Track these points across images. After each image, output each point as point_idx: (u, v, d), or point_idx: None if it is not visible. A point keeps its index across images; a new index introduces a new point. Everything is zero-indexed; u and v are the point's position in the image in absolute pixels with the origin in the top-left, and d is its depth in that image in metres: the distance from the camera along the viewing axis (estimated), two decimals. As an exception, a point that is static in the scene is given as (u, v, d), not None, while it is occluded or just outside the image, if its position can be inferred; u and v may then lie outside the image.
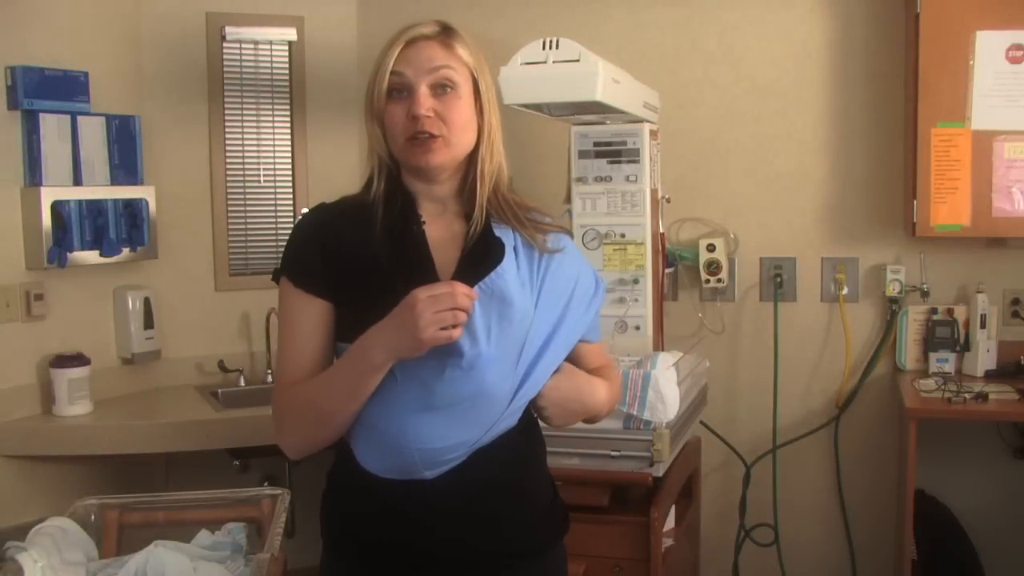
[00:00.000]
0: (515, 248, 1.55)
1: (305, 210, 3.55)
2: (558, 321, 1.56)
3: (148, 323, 3.25)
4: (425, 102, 1.48)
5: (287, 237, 1.61)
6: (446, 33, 1.52)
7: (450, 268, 1.52)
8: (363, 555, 1.56)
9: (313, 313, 1.52)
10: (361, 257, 1.50)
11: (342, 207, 1.58)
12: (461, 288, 1.37)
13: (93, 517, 1.91)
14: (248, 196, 3.54)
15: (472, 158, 1.56)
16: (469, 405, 1.45)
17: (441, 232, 1.56)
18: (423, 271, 1.51)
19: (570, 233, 1.67)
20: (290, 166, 3.58)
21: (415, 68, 1.48)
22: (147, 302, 3.25)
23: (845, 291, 3.24)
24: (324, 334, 1.53)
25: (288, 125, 3.57)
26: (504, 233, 1.56)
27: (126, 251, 3.14)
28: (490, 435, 1.50)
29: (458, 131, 1.51)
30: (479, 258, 1.51)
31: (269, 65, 3.53)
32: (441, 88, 1.50)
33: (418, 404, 1.45)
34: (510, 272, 1.50)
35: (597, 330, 1.68)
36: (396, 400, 1.45)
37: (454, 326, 1.37)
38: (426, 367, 1.43)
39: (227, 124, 3.49)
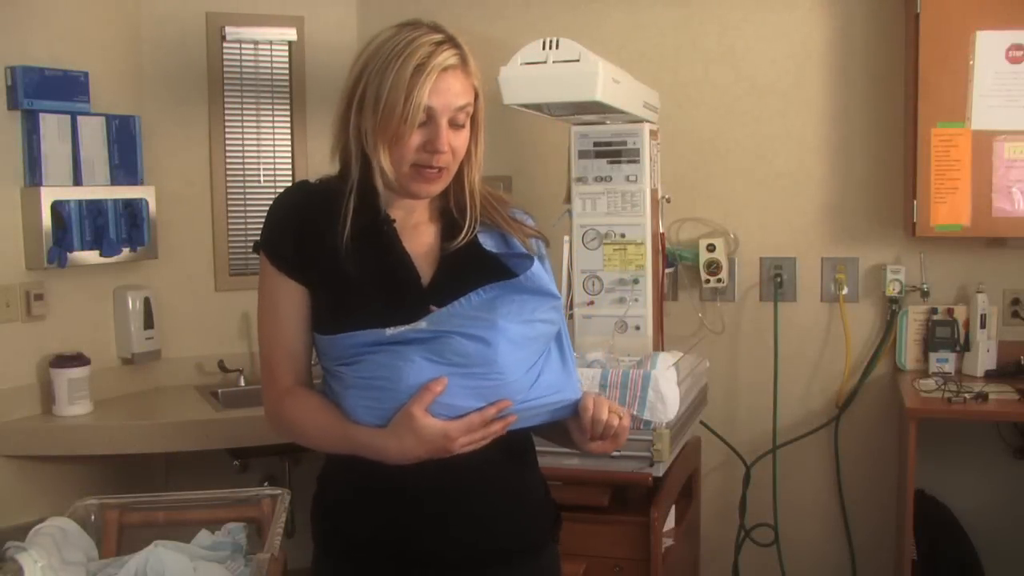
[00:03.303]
0: (512, 249, 1.56)
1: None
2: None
3: (148, 323, 3.25)
4: (444, 137, 1.47)
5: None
6: (463, 57, 1.49)
7: (427, 271, 1.53)
8: (354, 556, 1.55)
9: (291, 293, 1.53)
10: (331, 251, 1.50)
11: (323, 189, 1.57)
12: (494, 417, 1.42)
13: (93, 517, 1.91)
14: (248, 196, 3.54)
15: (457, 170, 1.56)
16: (479, 374, 1.40)
17: (413, 232, 1.56)
18: (402, 272, 1.52)
19: (546, 240, 1.67)
20: (290, 166, 3.58)
21: (443, 104, 1.46)
22: (147, 302, 3.25)
23: (845, 291, 3.24)
24: (304, 316, 1.53)
25: (288, 125, 3.57)
26: (492, 237, 1.56)
27: (126, 251, 3.14)
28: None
29: (459, 159, 1.53)
30: (459, 265, 1.52)
31: (269, 65, 3.53)
32: (457, 120, 1.49)
33: (424, 352, 1.41)
34: (540, 269, 1.50)
35: None
36: (401, 346, 1.42)
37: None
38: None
39: (227, 124, 3.49)
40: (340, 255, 1.49)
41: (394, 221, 1.55)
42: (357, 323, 1.45)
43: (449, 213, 1.57)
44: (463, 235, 1.54)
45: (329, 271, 1.50)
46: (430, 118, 1.47)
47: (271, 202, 1.59)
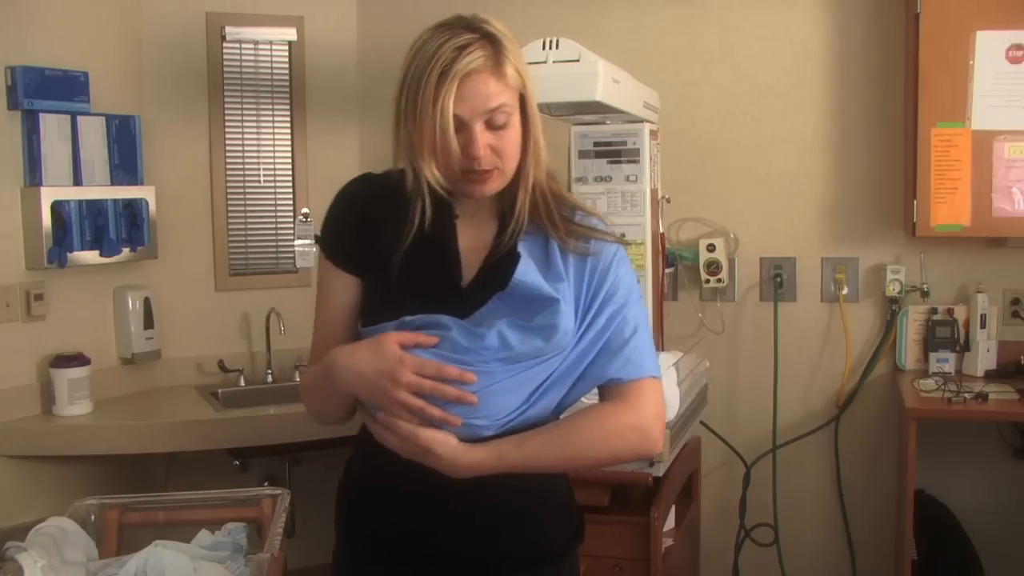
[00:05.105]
0: (549, 254, 1.52)
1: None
2: (597, 336, 1.50)
3: (148, 323, 3.25)
4: (482, 140, 1.44)
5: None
6: (495, 58, 1.44)
7: (471, 273, 1.52)
8: (373, 547, 1.55)
9: (343, 287, 1.55)
10: (388, 242, 1.49)
11: (385, 183, 1.55)
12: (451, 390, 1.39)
13: (93, 517, 1.90)
14: (248, 196, 3.53)
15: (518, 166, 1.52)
16: (463, 361, 1.41)
17: (472, 233, 1.54)
18: (448, 268, 1.51)
19: (620, 241, 1.59)
20: (290, 166, 3.58)
21: (471, 108, 1.42)
22: (147, 302, 3.25)
23: (845, 291, 3.24)
24: (352, 309, 1.55)
25: (288, 125, 3.57)
26: (533, 241, 1.52)
27: (126, 251, 3.14)
28: (495, 420, 1.45)
29: (510, 159, 1.48)
30: (499, 270, 1.49)
31: (269, 65, 3.53)
32: (494, 122, 1.45)
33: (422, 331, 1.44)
34: (529, 275, 1.47)
35: None
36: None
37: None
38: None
39: (227, 124, 3.49)
40: (397, 250, 1.49)
41: (457, 216, 1.53)
42: (391, 317, 1.46)
43: (508, 203, 1.54)
44: (507, 238, 1.51)
45: (382, 265, 1.50)
46: (463, 124, 1.43)
47: (335, 193, 1.60)
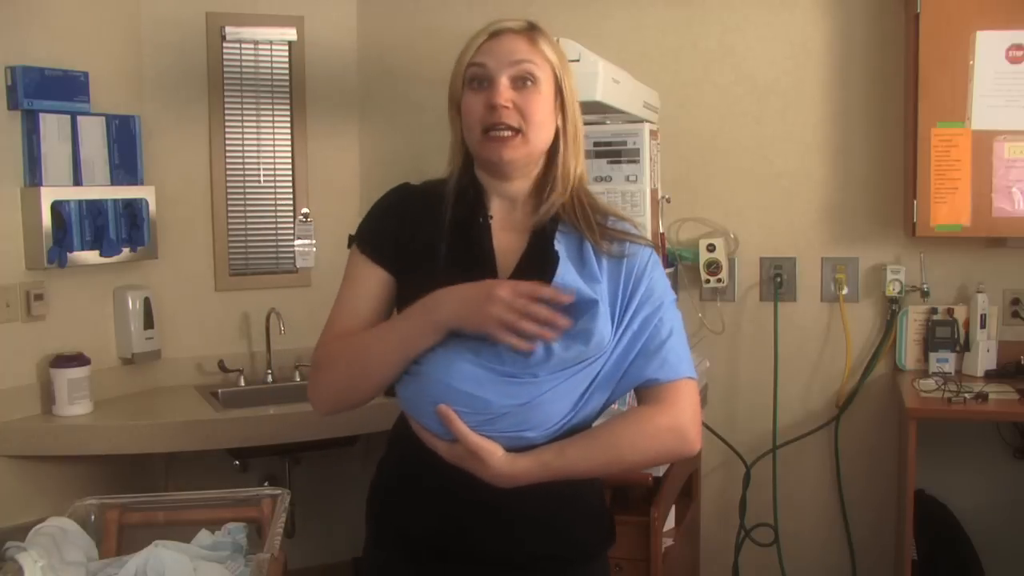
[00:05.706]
0: (584, 254, 1.52)
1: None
2: (634, 337, 1.50)
3: (148, 323, 3.25)
4: (504, 92, 1.47)
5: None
6: (532, 29, 1.53)
7: (508, 270, 1.52)
8: (404, 548, 1.56)
9: (373, 277, 1.55)
10: (425, 243, 1.51)
11: (423, 190, 1.59)
12: (544, 312, 1.36)
13: (93, 517, 1.90)
14: (248, 196, 3.53)
15: (551, 160, 1.55)
16: (511, 375, 1.41)
17: (508, 232, 1.55)
18: (483, 267, 1.51)
19: (652, 245, 1.59)
20: (290, 166, 3.58)
21: (496, 59, 1.48)
22: (147, 302, 3.25)
23: (845, 291, 3.24)
24: (378, 300, 1.55)
25: (288, 125, 3.57)
26: (569, 240, 1.53)
27: (126, 251, 3.14)
28: (541, 429, 1.45)
29: (535, 126, 1.50)
30: (537, 266, 1.49)
31: (269, 65, 3.53)
32: (521, 81, 1.49)
33: (467, 353, 1.42)
34: (568, 278, 1.47)
35: None
36: (447, 344, 1.44)
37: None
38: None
39: (227, 124, 3.49)
40: (431, 248, 1.50)
41: (491, 216, 1.55)
42: None
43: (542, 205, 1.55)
44: (538, 228, 1.52)
45: (417, 263, 1.51)
46: (488, 78, 1.49)
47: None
